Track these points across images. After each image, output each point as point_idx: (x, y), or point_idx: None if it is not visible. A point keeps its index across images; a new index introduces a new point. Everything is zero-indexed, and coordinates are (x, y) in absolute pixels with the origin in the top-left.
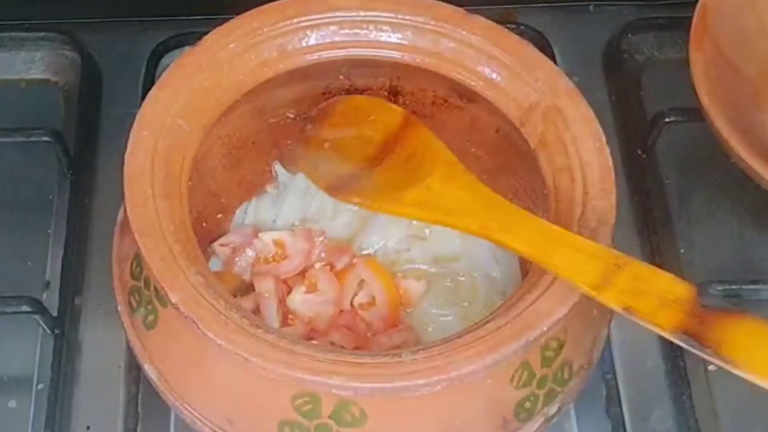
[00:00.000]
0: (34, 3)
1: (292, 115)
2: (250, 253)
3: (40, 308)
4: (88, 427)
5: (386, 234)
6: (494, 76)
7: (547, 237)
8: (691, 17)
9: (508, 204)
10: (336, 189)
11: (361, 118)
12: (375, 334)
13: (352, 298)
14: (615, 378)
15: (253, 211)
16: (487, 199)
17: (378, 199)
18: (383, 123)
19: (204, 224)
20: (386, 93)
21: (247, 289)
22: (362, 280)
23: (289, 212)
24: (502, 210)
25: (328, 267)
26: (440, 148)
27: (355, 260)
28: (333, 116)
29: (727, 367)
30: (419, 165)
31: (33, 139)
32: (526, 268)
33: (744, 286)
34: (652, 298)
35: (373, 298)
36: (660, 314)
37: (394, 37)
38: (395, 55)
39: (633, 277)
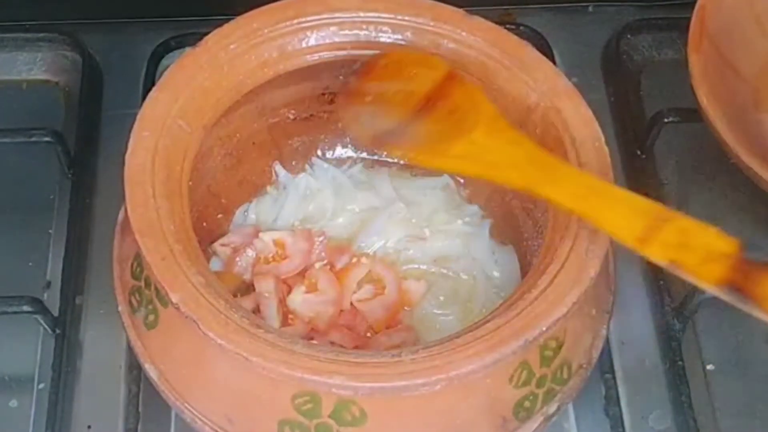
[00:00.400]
0: (35, 4)
1: (292, 116)
2: (250, 253)
3: (41, 308)
4: (89, 427)
5: (386, 234)
6: (494, 76)
7: (591, 191)
8: (689, 18)
9: (553, 158)
10: (378, 142)
11: (403, 72)
12: (375, 330)
13: (352, 297)
14: (614, 377)
15: (254, 211)
16: (532, 153)
17: (421, 151)
18: (426, 77)
19: (204, 224)
20: None
21: (248, 289)
22: (362, 279)
23: (290, 212)
24: (546, 164)
25: (328, 267)
26: (484, 102)
27: (363, 259)
28: (376, 70)
29: None
30: (463, 119)
31: (34, 139)
32: (526, 268)
33: None
34: (697, 252)
35: (374, 294)
36: (704, 268)
37: (393, 38)
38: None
39: (678, 232)
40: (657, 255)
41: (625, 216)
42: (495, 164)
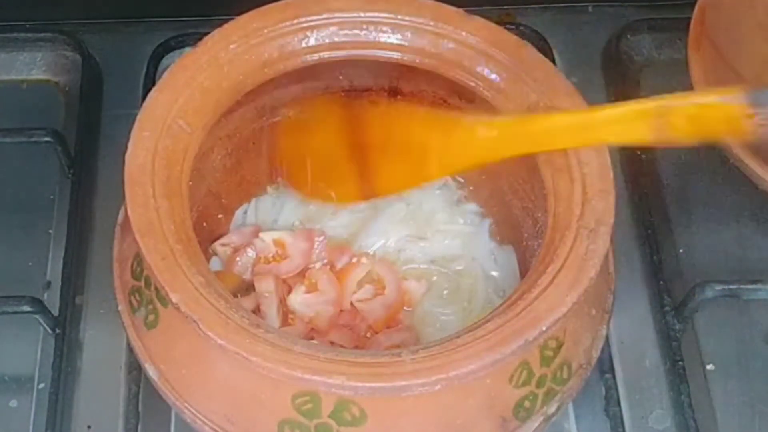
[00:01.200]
0: (35, 4)
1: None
2: (250, 252)
3: (41, 308)
4: (89, 427)
5: (386, 234)
6: (493, 76)
7: (582, 125)
8: (689, 18)
9: (523, 117)
10: (360, 195)
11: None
12: (375, 330)
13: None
14: (614, 377)
15: (254, 211)
16: (503, 125)
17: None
18: (339, 127)
19: (204, 224)
20: (386, 93)
21: (248, 288)
22: (362, 279)
23: (290, 212)
24: (522, 126)
25: (328, 267)
26: (423, 123)
27: (363, 259)
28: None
29: None
30: (412, 147)
31: (34, 139)
32: (526, 268)
33: (742, 286)
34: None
35: (374, 294)
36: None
37: (393, 38)
38: (395, 55)
39: (685, 116)
40: (681, 136)
41: (629, 127)
42: (474, 156)
